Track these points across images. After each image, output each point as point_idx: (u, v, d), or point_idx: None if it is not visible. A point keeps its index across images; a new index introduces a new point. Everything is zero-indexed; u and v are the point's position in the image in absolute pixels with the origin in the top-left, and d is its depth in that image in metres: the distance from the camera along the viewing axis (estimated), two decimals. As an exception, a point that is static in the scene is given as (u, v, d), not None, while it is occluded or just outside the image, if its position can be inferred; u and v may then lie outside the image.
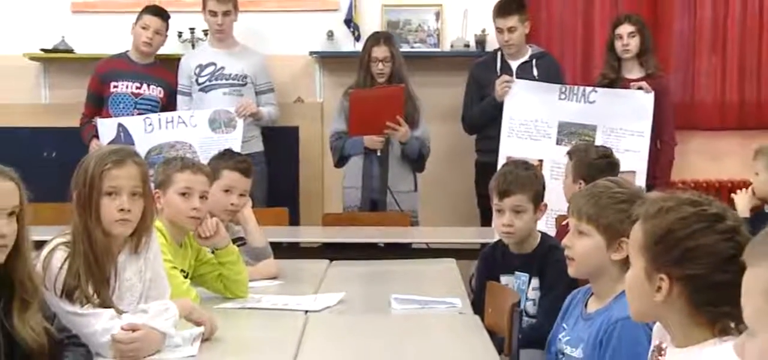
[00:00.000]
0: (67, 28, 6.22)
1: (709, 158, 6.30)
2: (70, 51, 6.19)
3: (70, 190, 2.69)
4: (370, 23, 6.18)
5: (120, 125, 5.48)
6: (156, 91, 5.74)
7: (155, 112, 5.63)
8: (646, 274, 1.89)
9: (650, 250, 1.88)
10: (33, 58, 6.23)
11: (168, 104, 5.72)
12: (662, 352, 1.95)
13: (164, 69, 5.83)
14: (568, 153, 4.21)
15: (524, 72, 5.60)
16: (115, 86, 5.69)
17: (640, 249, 1.90)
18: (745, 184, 4.51)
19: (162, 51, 5.86)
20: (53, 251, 2.59)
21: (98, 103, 5.72)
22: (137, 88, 5.71)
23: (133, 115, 5.60)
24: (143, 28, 5.69)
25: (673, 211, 1.88)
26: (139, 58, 5.75)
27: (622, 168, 4.19)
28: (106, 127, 5.50)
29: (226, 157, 4.00)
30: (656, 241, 1.87)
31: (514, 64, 5.63)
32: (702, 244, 1.83)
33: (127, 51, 5.79)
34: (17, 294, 2.24)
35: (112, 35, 6.00)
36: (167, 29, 5.79)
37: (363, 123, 5.36)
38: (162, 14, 5.74)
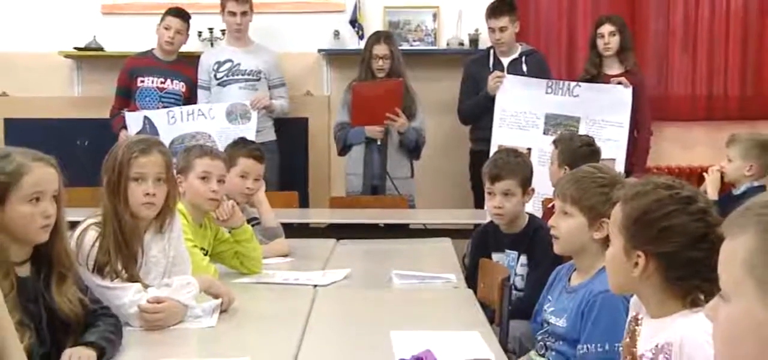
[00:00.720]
0: (97, 28, 6.22)
1: (681, 146, 6.31)
2: (101, 49, 6.19)
3: (101, 176, 2.70)
4: (373, 23, 6.16)
5: (146, 118, 5.48)
6: (179, 86, 5.74)
7: (178, 104, 5.62)
8: (624, 252, 1.89)
9: (629, 230, 1.88)
10: (67, 56, 6.23)
11: (190, 97, 5.72)
12: (639, 322, 1.95)
13: (186, 65, 5.82)
14: (554, 142, 4.20)
15: (514, 68, 5.58)
16: (141, 81, 5.70)
17: (620, 228, 1.91)
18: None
19: (184, 49, 5.85)
20: (86, 231, 2.60)
21: (126, 97, 5.72)
22: (162, 82, 5.71)
23: (158, 107, 5.59)
24: (166, 28, 5.68)
25: (650, 194, 1.88)
26: (163, 55, 5.74)
27: (603, 156, 4.18)
28: (134, 120, 5.50)
29: (240, 145, 4.00)
30: (634, 221, 1.87)
31: (506, 61, 5.62)
32: (675, 224, 1.84)
33: (153, 49, 5.78)
34: (55, 268, 2.27)
35: (138, 35, 6.00)
36: (188, 29, 5.78)
37: (364, 114, 5.36)
38: (183, 15, 5.73)
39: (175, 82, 5.73)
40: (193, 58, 5.85)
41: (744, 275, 1.09)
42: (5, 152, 2.22)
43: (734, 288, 1.11)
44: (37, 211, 2.19)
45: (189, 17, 5.76)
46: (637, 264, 1.87)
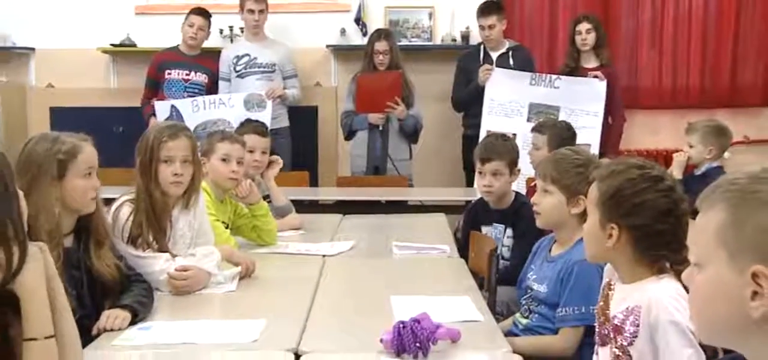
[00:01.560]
0: (131, 26, 6.21)
1: (648, 132, 6.31)
2: (133, 45, 6.17)
3: (135, 158, 2.70)
4: (376, 21, 6.14)
5: (172, 106, 5.46)
6: (202, 77, 5.72)
7: (201, 94, 5.60)
8: (600, 225, 1.89)
9: (604, 205, 1.88)
10: (104, 52, 6.22)
11: (211, 88, 5.70)
12: (612, 288, 1.95)
13: (208, 59, 5.79)
14: (538, 129, 4.17)
15: (502, 62, 5.56)
16: (169, 73, 5.68)
17: (596, 204, 1.91)
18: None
19: (206, 44, 5.82)
20: (121, 206, 2.60)
21: (155, 87, 5.70)
22: (186, 75, 5.70)
23: (183, 97, 5.57)
24: (190, 25, 5.67)
25: (623, 174, 1.88)
26: (188, 50, 5.73)
27: (579, 141, 4.17)
28: (162, 108, 5.48)
29: (245, 124, 4.02)
30: (609, 197, 1.87)
31: (494, 55, 5.60)
32: (645, 200, 1.84)
33: (179, 44, 5.76)
34: (93, 236, 2.29)
35: (166, 32, 5.96)
36: (210, 26, 5.76)
37: (368, 103, 5.34)
38: (205, 14, 5.71)
39: (198, 74, 5.71)
40: (215, 53, 5.83)
41: (715, 244, 1.11)
42: (56, 135, 2.26)
43: (707, 256, 1.12)
44: (89, 184, 2.24)
45: (210, 16, 5.74)
46: (611, 235, 1.87)
